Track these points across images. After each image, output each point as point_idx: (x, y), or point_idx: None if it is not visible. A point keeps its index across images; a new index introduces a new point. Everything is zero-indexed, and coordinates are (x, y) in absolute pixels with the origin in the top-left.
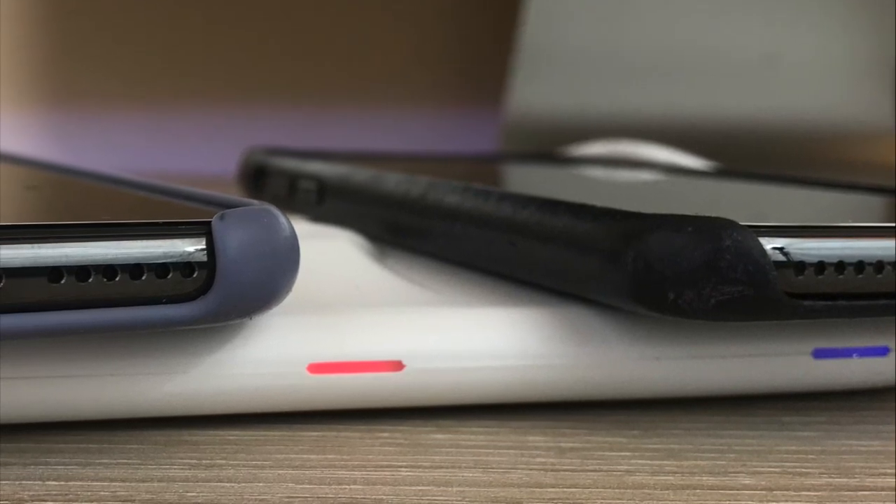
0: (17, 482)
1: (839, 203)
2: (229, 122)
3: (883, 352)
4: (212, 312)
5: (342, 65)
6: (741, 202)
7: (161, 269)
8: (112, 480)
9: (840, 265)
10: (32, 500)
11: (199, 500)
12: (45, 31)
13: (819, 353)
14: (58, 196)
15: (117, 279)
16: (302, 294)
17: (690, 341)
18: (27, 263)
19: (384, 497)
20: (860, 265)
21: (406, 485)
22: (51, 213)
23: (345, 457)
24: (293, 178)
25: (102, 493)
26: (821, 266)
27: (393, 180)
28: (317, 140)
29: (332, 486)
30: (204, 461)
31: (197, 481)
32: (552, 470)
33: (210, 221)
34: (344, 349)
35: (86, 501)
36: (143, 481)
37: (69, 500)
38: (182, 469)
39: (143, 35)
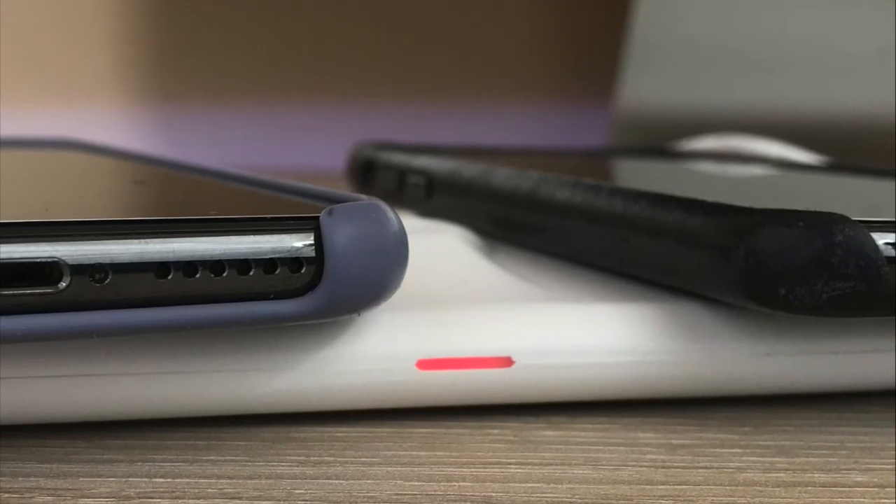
0: (124, 479)
1: None
2: (338, 116)
3: None
4: (320, 308)
5: (451, 59)
6: (853, 197)
7: (269, 264)
8: (219, 477)
9: None
10: (139, 497)
11: (307, 498)
12: (153, 26)
13: None
14: (165, 191)
15: (225, 275)
16: (410, 290)
17: (801, 337)
18: (134, 259)
19: (493, 494)
20: None
21: (516, 482)
22: (158, 209)
23: (454, 454)
24: (402, 173)
25: (209, 489)
26: None
27: (502, 175)
28: (425, 135)
29: (441, 483)
30: (312, 458)
31: (305, 478)
32: (662, 467)
33: (318, 217)
34: (453, 345)
35: (193, 498)
36: (251, 478)
37: (176, 497)
38: (290, 466)
39: (251, 30)
